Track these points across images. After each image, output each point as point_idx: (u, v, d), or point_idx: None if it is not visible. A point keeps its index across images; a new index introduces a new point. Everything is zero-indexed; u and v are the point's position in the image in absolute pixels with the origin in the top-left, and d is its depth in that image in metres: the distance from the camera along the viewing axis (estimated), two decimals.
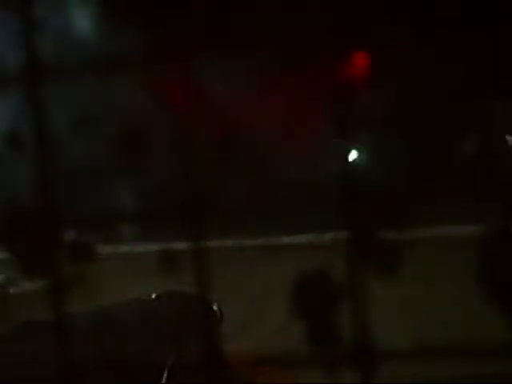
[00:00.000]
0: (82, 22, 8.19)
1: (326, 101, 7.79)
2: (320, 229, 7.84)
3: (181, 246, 7.70)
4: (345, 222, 7.35)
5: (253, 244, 8.06)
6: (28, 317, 7.49)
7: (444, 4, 7.68)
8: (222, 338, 7.32)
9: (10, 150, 8.31)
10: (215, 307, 7.43)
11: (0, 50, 8.12)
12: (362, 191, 7.26)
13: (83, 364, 6.65)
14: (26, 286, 7.91)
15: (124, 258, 8.36)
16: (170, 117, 7.84)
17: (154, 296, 7.43)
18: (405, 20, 7.70)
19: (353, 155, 7.73)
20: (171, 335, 6.91)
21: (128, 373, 6.75)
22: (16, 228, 7.89)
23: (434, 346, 6.87)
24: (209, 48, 7.79)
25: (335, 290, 7.14)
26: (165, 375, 6.62)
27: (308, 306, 7.24)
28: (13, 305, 7.81)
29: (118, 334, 6.83)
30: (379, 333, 6.82)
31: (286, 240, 8.04)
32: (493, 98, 7.67)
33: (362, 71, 7.85)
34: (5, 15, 8.04)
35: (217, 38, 7.85)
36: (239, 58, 7.91)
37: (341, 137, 7.69)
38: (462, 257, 7.17)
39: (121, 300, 7.49)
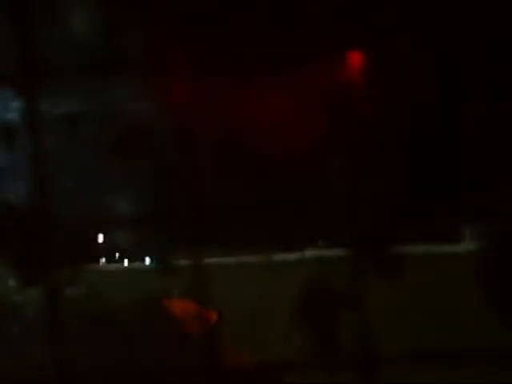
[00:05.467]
0: (82, 21, 8.13)
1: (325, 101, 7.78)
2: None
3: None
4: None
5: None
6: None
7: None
8: (220, 338, 7.36)
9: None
10: (213, 310, 7.47)
11: None
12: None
13: None
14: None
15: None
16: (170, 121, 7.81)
17: None
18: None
19: None
20: None
21: None
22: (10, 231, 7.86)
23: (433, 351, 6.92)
24: (207, 47, 7.76)
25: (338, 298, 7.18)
26: None
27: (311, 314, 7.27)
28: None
29: None
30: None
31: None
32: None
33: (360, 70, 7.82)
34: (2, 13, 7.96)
35: (216, 37, 7.80)
36: (237, 57, 7.86)
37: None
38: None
39: None
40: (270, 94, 7.89)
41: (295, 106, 7.85)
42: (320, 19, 7.62)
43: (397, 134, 7.59)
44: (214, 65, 7.77)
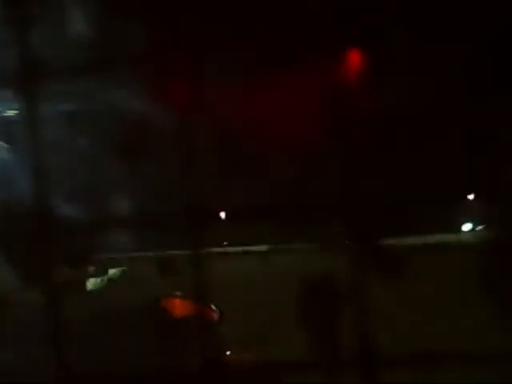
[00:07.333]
0: (82, 20, 8.15)
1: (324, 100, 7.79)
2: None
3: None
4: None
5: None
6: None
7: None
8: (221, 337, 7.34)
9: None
10: (214, 308, 7.44)
11: None
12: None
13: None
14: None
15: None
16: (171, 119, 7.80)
17: None
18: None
19: None
20: None
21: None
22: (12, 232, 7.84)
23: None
24: (207, 47, 7.76)
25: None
26: None
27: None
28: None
29: None
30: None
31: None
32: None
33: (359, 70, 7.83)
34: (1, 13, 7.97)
35: (215, 37, 7.81)
36: (237, 57, 7.88)
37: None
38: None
39: None
40: (270, 95, 7.91)
41: (294, 105, 7.88)
42: (320, 19, 7.64)
43: (396, 132, 7.61)
44: (213, 65, 7.79)
